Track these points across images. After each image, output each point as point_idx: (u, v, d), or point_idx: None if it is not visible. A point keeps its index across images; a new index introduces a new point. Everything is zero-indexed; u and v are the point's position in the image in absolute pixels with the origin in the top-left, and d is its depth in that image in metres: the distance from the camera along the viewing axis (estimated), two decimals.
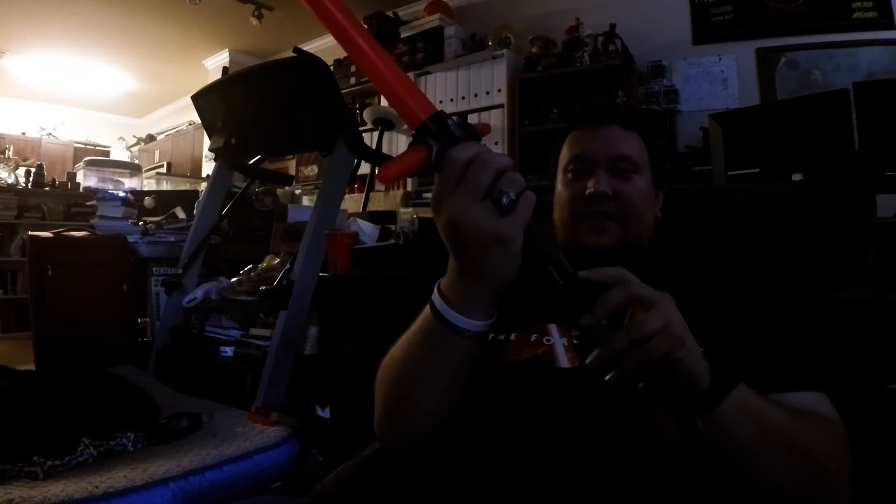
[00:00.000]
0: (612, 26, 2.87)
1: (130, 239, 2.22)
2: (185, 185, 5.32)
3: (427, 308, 0.54)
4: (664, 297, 0.47)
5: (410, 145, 0.46)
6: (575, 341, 0.66)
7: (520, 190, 0.45)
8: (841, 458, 0.53)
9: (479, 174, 0.44)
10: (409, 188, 3.42)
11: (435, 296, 0.53)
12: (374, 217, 2.02)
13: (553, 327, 0.68)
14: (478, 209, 0.44)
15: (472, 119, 3.18)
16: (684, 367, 0.47)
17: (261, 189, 2.41)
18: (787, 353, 0.62)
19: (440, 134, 0.46)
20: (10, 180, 4.71)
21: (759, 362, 0.61)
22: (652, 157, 0.77)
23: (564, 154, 0.79)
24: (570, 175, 0.77)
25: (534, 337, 0.68)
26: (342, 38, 0.47)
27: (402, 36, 3.61)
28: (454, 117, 0.48)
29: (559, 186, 0.79)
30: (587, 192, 0.72)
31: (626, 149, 0.74)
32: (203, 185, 4.17)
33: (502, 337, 0.70)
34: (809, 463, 0.52)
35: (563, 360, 0.65)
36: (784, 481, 0.51)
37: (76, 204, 4.63)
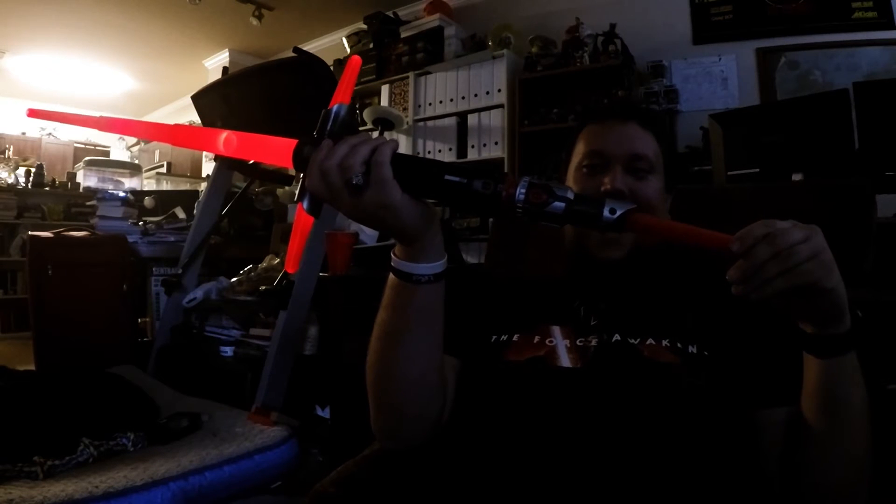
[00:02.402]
0: (612, 26, 2.86)
1: (130, 239, 2.22)
2: (185, 185, 5.31)
3: (389, 276, 0.60)
4: (815, 229, 0.46)
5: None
6: (578, 343, 0.66)
7: (363, 165, 0.49)
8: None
9: (331, 179, 0.49)
10: None
11: (392, 259, 0.59)
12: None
13: (556, 329, 0.68)
14: (348, 199, 0.50)
15: (472, 119, 3.18)
16: (834, 299, 0.46)
17: (261, 189, 2.42)
18: (788, 360, 0.62)
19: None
20: (10, 180, 4.71)
21: (763, 373, 0.61)
22: (665, 160, 0.76)
23: (580, 149, 0.77)
24: (584, 170, 0.75)
25: (536, 339, 0.68)
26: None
27: (402, 36, 3.60)
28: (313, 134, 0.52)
29: (570, 181, 0.77)
30: (602, 188, 0.70)
31: (643, 148, 0.73)
32: (203, 185, 4.17)
33: (504, 338, 0.70)
34: (869, 446, 0.54)
35: (566, 361, 0.65)
36: (857, 452, 0.54)
37: (76, 204, 4.63)
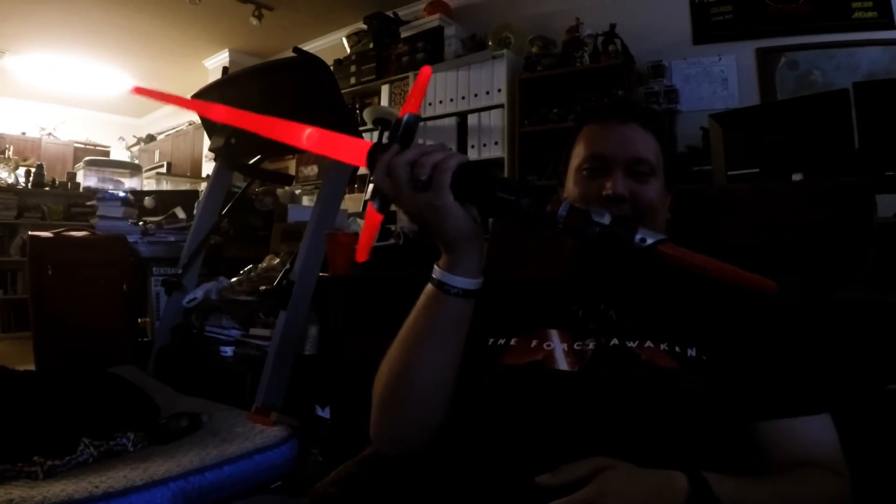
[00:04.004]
0: (612, 26, 2.87)
1: (130, 239, 2.22)
2: (185, 185, 5.31)
3: (428, 284, 0.63)
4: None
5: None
6: (576, 347, 0.66)
7: (430, 168, 0.55)
8: None
9: (397, 175, 0.56)
10: None
11: (433, 269, 0.62)
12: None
13: (553, 333, 0.68)
14: (408, 195, 0.56)
15: (472, 119, 3.18)
16: None
17: (261, 189, 2.41)
18: (789, 370, 0.62)
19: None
20: (10, 180, 4.71)
21: (763, 383, 0.61)
22: (666, 159, 0.75)
23: (580, 150, 0.76)
24: (585, 173, 0.74)
25: (534, 343, 0.68)
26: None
27: (402, 36, 3.61)
28: (385, 138, 0.60)
29: (570, 183, 0.76)
30: (604, 192, 0.69)
31: (644, 151, 0.72)
32: (203, 185, 4.17)
33: (502, 342, 0.70)
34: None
35: (563, 365, 0.64)
36: None
37: (76, 204, 4.62)
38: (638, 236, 0.52)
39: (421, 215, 0.57)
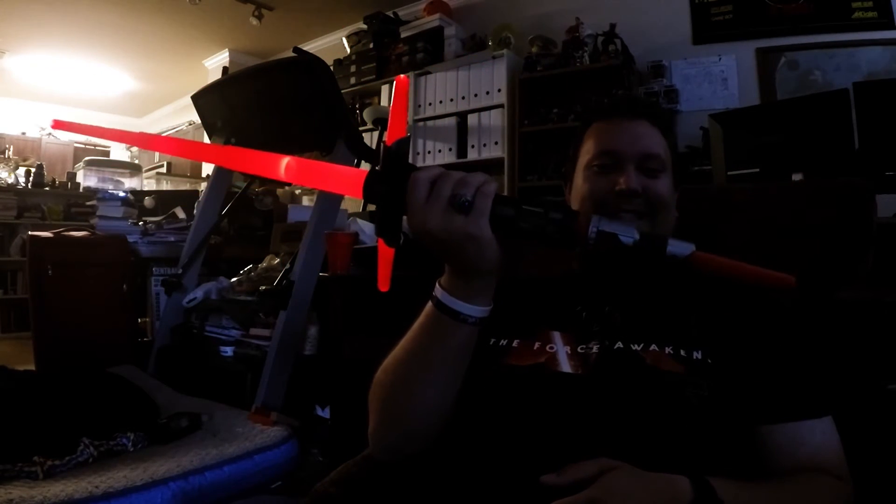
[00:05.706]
0: (612, 26, 2.86)
1: (130, 239, 2.22)
2: (185, 185, 5.32)
3: (428, 304, 0.59)
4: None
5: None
6: (579, 350, 0.65)
7: (474, 190, 0.51)
8: None
9: (441, 192, 0.51)
10: None
11: (436, 290, 0.58)
12: (374, 217, 2.02)
13: (556, 335, 0.68)
14: (443, 215, 0.51)
15: (473, 119, 3.18)
16: None
17: (261, 189, 2.41)
18: (793, 374, 0.62)
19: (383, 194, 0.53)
20: (10, 180, 4.71)
21: (767, 387, 0.61)
22: (673, 156, 0.75)
23: (589, 147, 0.75)
24: (595, 169, 0.73)
25: (537, 345, 0.67)
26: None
27: (402, 36, 3.60)
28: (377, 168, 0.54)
29: (579, 180, 0.75)
30: (617, 188, 0.69)
31: (654, 146, 0.72)
32: (203, 185, 4.17)
33: (504, 342, 0.69)
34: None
35: (566, 368, 0.64)
36: None
37: (76, 204, 4.62)
38: (669, 249, 0.51)
39: (452, 241, 0.52)
